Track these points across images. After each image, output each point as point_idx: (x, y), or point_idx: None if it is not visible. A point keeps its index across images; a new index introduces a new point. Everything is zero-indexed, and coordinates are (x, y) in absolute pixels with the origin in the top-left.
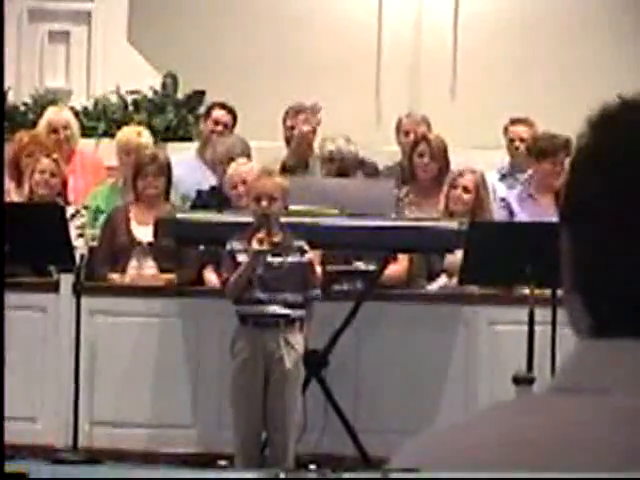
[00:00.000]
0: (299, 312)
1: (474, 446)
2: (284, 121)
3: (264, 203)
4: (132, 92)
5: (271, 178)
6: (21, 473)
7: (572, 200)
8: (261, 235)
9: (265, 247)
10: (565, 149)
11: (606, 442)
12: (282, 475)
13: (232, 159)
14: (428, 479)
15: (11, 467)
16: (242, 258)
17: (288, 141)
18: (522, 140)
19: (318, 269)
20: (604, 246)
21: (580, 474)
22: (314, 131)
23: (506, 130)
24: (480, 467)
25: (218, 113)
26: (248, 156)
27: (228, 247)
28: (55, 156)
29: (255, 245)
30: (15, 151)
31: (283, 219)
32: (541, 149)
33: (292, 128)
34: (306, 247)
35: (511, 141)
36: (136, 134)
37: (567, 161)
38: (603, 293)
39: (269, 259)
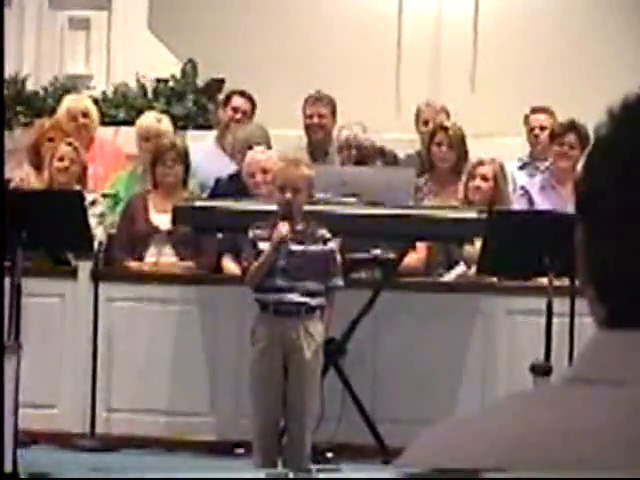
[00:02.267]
0: (320, 301)
1: (491, 436)
2: (303, 109)
3: (288, 194)
4: (156, 80)
5: (297, 168)
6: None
7: (587, 192)
8: (284, 224)
9: (287, 236)
10: (571, 130)
11: (621, 433)
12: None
13: (251, 147)
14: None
15: (29, 454)
16: (263, 246)
17: (307, 129)
18: (542, 128)
19: (339, 257)
20: (617, 239)
21: (584, 472)
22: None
23: (526, 119)
24: (497, 457)
25: (237, 101)
26: (267, 144)
27: (250, 234)
28: (74, 143)
29: (277, 234)
30: (36, 137)
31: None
32: (550, 133)
33: (311, 116)
34: (328, 236)
35: (531, 130)
36: (156, 121)
37: (575, 142)
38: (617, 286)
39: (291, 247)
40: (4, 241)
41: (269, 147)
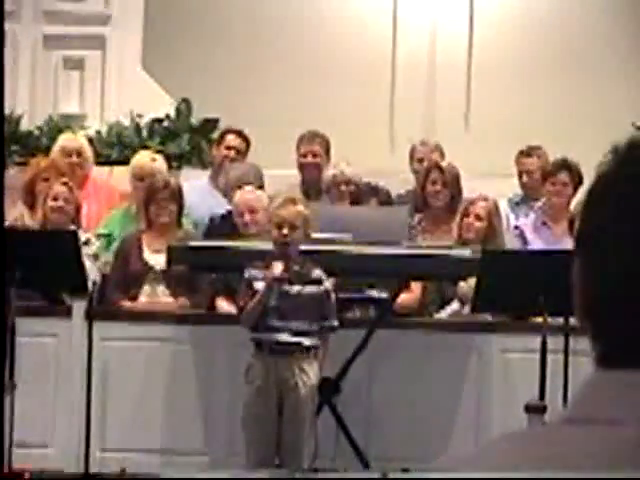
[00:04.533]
0: (314, 340)
1: (486, 473)
2: (297, 148)
3: (285, 231)
4: (152, 119)
5: (294, 206)
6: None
7: (585, 228)
8: (279, 264)
9: (282, 276)
10: (564, 168)
11: (618, 473)
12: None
13: (241, 187)
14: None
15: None
16: (259, 286)
17: (301, 168)
18: (530, 172)
19: (333, 297)
20: (614, 277)
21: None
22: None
23: (516, 161)
24: None
25: (231, 139)
26: (260, 183)
27: (246, 274)
28: (69, 182)
29: (272, 273)
30: (31, 176)
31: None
32: (542, 171)
33: (305, 155)
34: (324, 276)
35: (520, 173)
36: (150, 160)
37: (568, 180)
38: (613, 322)
39: (286, 288)
40: (4, 279)
41: (261, 186)
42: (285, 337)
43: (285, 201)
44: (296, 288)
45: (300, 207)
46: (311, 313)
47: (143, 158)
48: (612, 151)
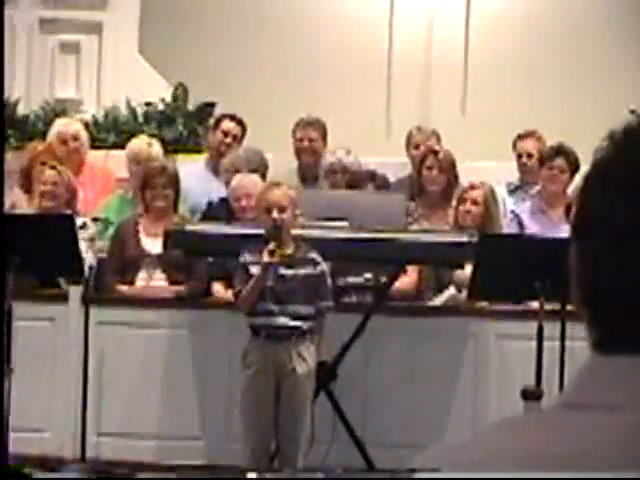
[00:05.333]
0: (311, 324)
1: (483, 462)
2: (294, 133)
3: (274, 213)
4: (146, 104)
5: (279, 188)
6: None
7: (582, 214)
8: (272, 246)
9: (275, 259)
10: (560, 154)
11: (616, 458)
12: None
13: (240, 171)
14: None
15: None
16: (255, 270)
17: (298, 153)
18: (529, 155)
19: (329, 281)
20: (611, 262)
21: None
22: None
23: (514, 144)
24: None
25: (228, 125)
26: (265, 169)
27: (241, 259)
28: (59, 167)
29: (266, 257)
30: (28, 161)
31: (293, 231)
32: (539, 157)
33: (301, 140)
34: (319, 259)
35: (519, 156)
36: (147, 145)
37: (564, 165)
38: (610, 307)
39: (281, 271)
40: (5, 262)
41: (264, 172)
42: (282, 321)
43: (270, 185)
44: (291, 271)
45: (285, 189)
46: (307, 295)
47: (139, 143)
48: (609, 137)
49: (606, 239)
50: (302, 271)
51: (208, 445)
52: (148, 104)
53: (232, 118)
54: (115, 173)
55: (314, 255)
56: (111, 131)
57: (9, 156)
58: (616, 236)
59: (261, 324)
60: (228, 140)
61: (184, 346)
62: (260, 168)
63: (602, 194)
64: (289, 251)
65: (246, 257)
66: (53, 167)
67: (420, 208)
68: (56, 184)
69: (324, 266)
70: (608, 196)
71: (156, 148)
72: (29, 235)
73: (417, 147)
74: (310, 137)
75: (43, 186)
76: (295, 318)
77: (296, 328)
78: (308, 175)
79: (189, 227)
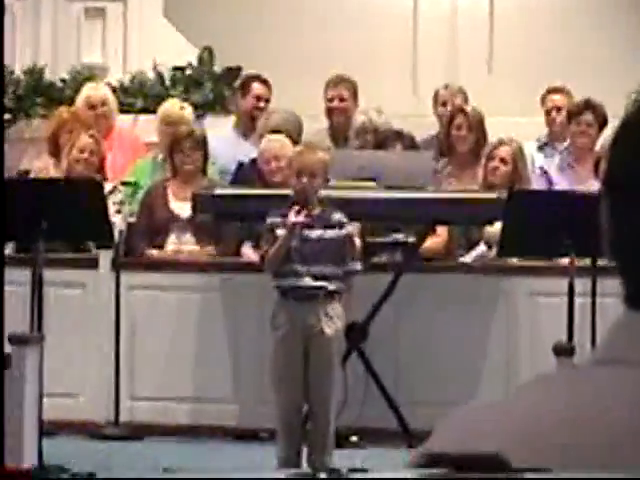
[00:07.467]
0: (338, 284)
1: (518, 419)
2: (325, 92)
3: (304, 179)
4: (174, 68)
5: (314, 153)
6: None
7: (612, 169)
8: (298, 208)
9: (301, 219)
10: (588, 109)
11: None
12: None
13: (272, 133)
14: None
15: (53, 444)
16: (281, 232)
17: (328, 112)
18: (559, 109)
19: (358, 241)
20: None
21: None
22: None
23: (543, 100)
24: (524, 440)
25: (258, 88)
26: (301, 131)
27: (268, 221)
28: (94, 133)
29: (292, 217)
30: (55, 127)
31: (322, 192)
32: (567, 112)
33: (332, 99)
34: (345, 220)
35: (548, 111)
36: (179, 107)
37: (592, 120)
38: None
39: (307, 232)
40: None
41: (300, 133)
42: (308, 281)
43: (305, 148)
44: (317, 232)
45: (319, 154)
46: (333, 257)
47: (172, 106)
48: (638, 91)
49: (638, 193)
50: (328, 233)
51: (240, 407)
52: (175, 68)
53: (260, 80)
54: (142, 138)
55: (340, 216)
56: (138, 96)
57: (37, 123)
58: None
59: (288, 285)
60: (261, 104)
61: (215, 309)
62: (298, 130)
63: (632, 149)
64: (316, 211)
65: (272, 219)
66: (92, 135)
67: (449, 167)
68: (93, 152)
69: (350, 228)
70: (634, 152)
71: (188, 111)
72: (58, 201)
73: (444, 105)
74: (341, 96)
75: (79, 153)
76: (320, 278)
77: (321, 288)
78: (339, 135)
79: (218, 191)
